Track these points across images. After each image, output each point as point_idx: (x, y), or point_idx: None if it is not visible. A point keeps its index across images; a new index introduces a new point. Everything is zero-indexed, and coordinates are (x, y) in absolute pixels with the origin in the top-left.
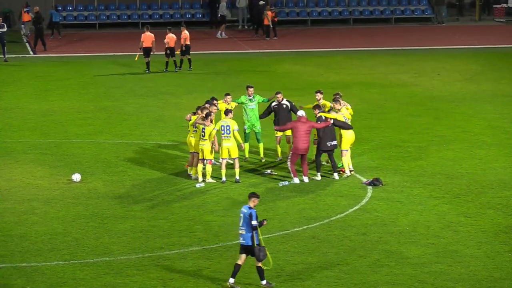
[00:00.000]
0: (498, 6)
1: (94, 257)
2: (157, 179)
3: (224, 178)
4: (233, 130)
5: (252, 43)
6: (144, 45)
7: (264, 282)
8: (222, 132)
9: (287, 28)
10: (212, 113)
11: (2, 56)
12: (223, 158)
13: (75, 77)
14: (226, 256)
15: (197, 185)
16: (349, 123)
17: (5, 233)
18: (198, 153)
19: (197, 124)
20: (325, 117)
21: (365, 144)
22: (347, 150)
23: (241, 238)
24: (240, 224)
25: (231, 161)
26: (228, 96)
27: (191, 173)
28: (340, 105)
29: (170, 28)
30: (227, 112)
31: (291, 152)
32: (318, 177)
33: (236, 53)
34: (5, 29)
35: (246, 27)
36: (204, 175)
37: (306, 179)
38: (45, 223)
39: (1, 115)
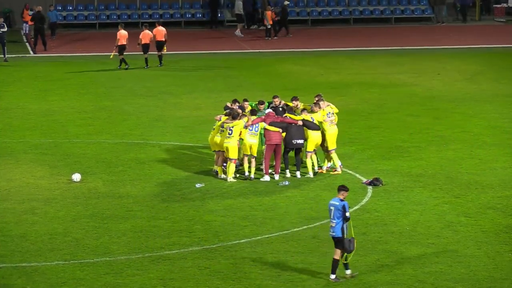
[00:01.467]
0: (498, 6)
1: (94, 257)
2: (157, 179)
3: (248, 174)
4: (261, 129)
5: (252, 43)
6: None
7: (333, 276)
8: (250, 128)
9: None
10: (242, 114)
11: (2, 56)
12: (245, 154)
13: (75, 77)
14: (226, 256)
15: (197, 185)
16: (318, 124)
17: (5, 233)
18: (223, 152)
19: (225, 125)
20: (290, 117)
21: (365, 144)
22: (311, 152)
23: (331, 231)
24: (331, 217)
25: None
26: (246, 103)
27: (216, 171)
28: (320, 107)
29: (147, 25)
30: (253, 112)
31: (266, 146)
32: (287, 175)
33: (236, 53)
34: (5, 29)
35: (246, 26)
36: (225, 173)
37: (277, 177)
38: (45, 223)
39: (1, 115)
